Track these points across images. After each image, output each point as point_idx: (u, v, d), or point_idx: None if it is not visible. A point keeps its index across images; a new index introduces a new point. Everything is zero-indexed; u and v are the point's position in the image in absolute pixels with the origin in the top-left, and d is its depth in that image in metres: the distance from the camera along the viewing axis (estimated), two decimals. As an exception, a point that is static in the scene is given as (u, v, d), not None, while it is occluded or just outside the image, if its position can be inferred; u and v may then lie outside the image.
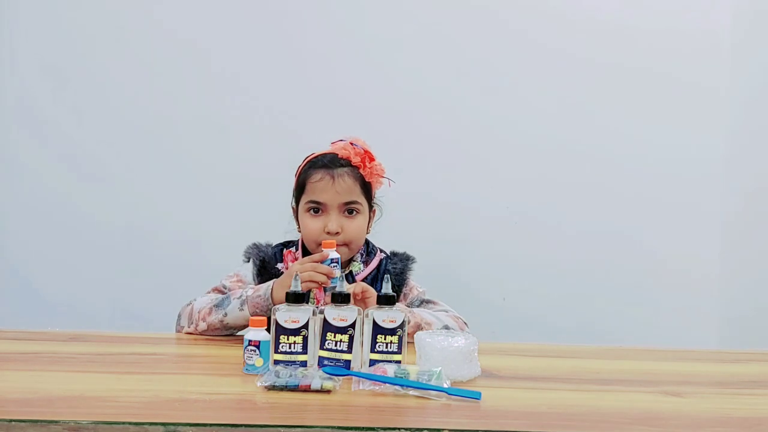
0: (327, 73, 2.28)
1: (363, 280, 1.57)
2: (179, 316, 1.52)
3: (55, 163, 2.28)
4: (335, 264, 1.43)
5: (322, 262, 1.43)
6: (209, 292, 1.54)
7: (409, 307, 1.55)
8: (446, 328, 1.45)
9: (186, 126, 2.29)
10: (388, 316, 1.16)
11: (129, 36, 2.29)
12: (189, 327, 1.48)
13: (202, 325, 1.46)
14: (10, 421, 0.89)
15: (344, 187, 1.53)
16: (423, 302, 1.58)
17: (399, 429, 0.91)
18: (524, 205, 2.30)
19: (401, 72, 2.29)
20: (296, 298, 1.17)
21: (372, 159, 1.57)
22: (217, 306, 1.46)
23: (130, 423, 0.89)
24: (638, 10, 2.30)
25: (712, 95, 2.30)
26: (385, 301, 1.18)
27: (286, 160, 1.65)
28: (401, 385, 1.06)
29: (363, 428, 0.91)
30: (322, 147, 1.61)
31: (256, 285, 1.54)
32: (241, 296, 1.45)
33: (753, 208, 2.32)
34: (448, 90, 2.29)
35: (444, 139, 2.29)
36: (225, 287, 1.55)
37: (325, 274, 1.41)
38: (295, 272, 1.28)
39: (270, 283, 1.47)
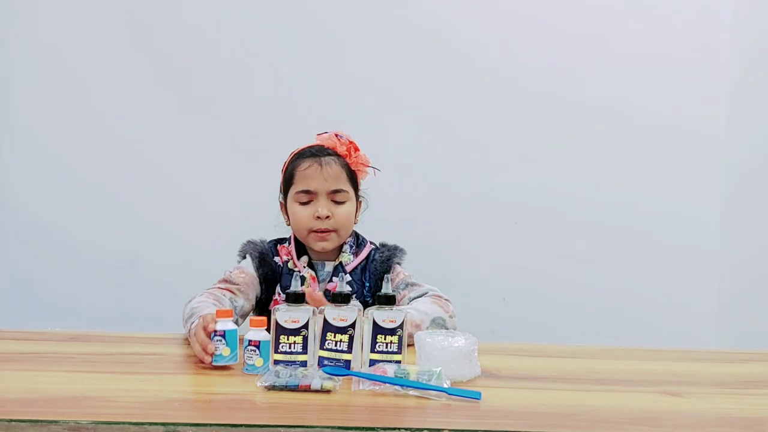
0: (318, 69, 2.27)
1: (352, 271, 1.60)
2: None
3: (54, 162, 2.28)
4: (220, 338, 1.19)
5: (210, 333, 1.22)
6: (218, 282, 1.55)
7: (394, 292, 1.56)
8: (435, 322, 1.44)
9: (183, 126, 2.28)
10: (388, 316, 1.16)
11: (123, 38, 2.28)
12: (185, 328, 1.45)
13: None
14: (10, 421, 0.89)
15: (331, 174, 1.56)
16: (408, 285, 1.58)
17: (399, 429, 0.91)
18: (524, 205, 2.30)
19: (400, 67, 2.28)
20: (296, 298, 1.17)
21: (357, 149, 1.62)
22: (186, 320, 1.42)
23: (130, 423, 0.89)
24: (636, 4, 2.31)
25: (712, 90, 2.31)
26: (385, 301, 1.18)
27: (280, 159, 1.66)
28: (401, 385, 1.06)
29: (363, 428, 0.91)
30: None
31: (258, 276, 1.57)
32: (192, 316, 1.37)
33: (754, 208, 2.32)
34: (447, 89, 2.29)
35: (444, 139, 2.29)
36: (231, 278, 1.56)
37: (203, 348, 1.20)
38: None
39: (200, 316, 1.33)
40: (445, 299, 1.54)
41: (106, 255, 2.28)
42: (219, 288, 1.54)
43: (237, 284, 1.55)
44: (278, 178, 1.67)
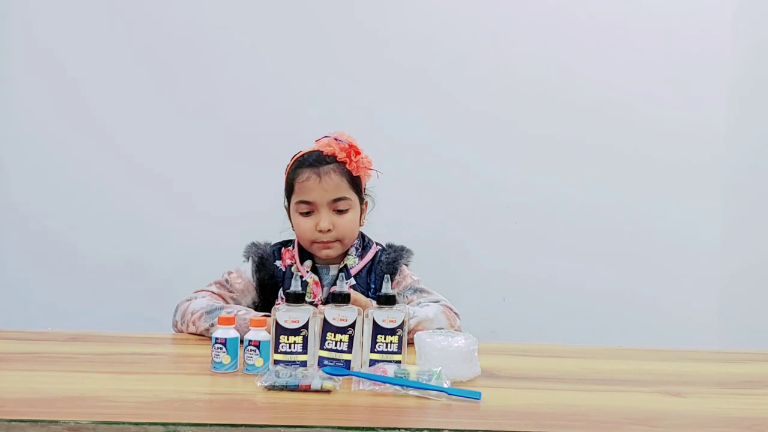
0: (319, 71, 2.28)
1: (357, 274, 1.58)
2: (177, 308, 1.52)
3: (53, 163, 2.28)
4: (221, 345, 1.17)
5: None
6: (211, 285, 1.56)
7: (401, 295, 1.55)
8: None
9: (181, 129, 2.29)
10: (388, 316, 1.16)
11: (123, 42, 2.29)
12: (181, 325, 1.49)
13: (192, 328, 1.46)
14: (10, 421, 0.89)
15: (331, 184, 1.53)
16: (416, 291, 1.57)
17: (399, 429, 0.91)
18: (524, 205, 2.30)
19: (402, 69, 2.29)
20: (296, 298, 1.17)
21: (357, 152, 1.57)
22: (208, 313, 1.45)
23: (130, 423, 0.89)
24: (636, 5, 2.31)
25: (712, 91, 2.31)
26: (385, 301, 1.18)
27: (279, 161, 1.65)
28: (401, 385, 1.06)
29: (363, 428, 0.91)
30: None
31: (254, 281, 1.57)
32: (230, 313, 1.42)
33: (754, 208, 2.32)
34: (448, 90, 2.29)
35: (444, 139, 2.29)
36: (228, 282, 1.57)
37: None
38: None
39: (251, 311, 1.46)
40: (454, 313, 1.52)
41: (105, 256, 2.28)
42: (213, 294, 1.54)
43: (231, 292, 1.56)
44: (277, 181, 1.66)
